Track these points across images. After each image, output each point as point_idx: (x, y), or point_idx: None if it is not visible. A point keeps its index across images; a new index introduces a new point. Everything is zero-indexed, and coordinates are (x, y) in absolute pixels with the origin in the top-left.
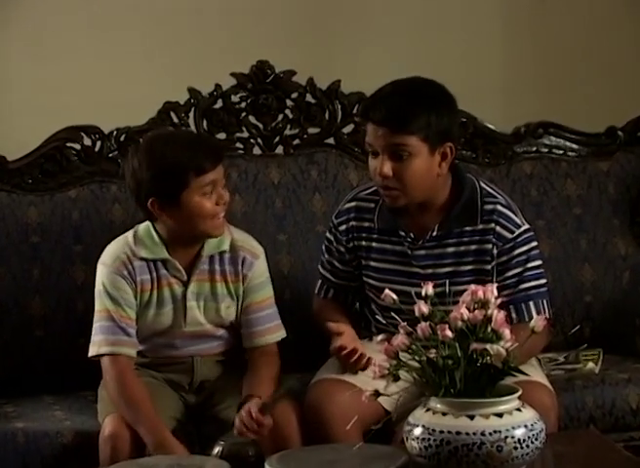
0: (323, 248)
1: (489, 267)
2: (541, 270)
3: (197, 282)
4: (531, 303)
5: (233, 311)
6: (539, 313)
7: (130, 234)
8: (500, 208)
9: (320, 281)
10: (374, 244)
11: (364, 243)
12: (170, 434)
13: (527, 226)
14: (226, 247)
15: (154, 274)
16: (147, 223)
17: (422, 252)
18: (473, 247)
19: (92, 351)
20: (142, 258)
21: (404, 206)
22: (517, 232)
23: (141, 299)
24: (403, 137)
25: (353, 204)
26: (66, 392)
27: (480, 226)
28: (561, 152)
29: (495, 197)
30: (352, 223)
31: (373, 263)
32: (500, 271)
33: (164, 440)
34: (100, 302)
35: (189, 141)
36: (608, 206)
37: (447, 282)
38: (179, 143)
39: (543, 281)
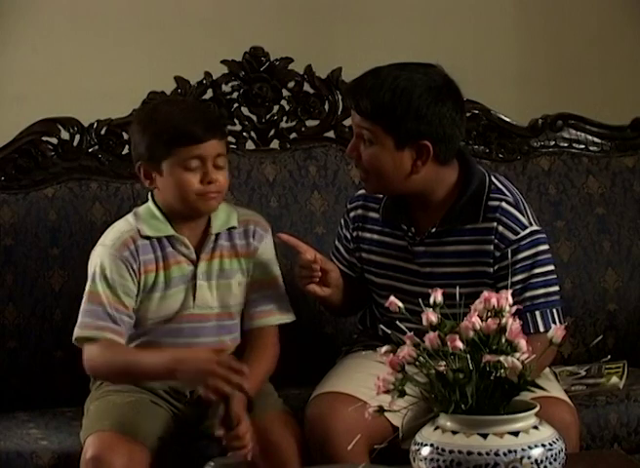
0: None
1: (490, 270)
2: (552, 277)
3: (206, 261)
4: (537, 313)
5: (244, 289)
6: (546, 324)
7: (129, 216)
8: (504, 205)
9: None
10: (376, 236)
11: (367, 234)
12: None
13: (535, 228)
14: (235, 223)
15: (159, 253)
16: (147, 204)
17: (422, 248)
18: (473, 246)
19: (76, 333)
20: (146, 237)
21: (375, 193)
22: (522, 234)
23: (146, 282)
24: (367, 123)
25: (363, 191)
26: (42, 408)
27: (482, 224)
28: (582, 147)
29: (502, 193)
30: (359, 212)
31: (374, 257)
32: (503, 276)
33: (176, 355)
34: (93, 284)
35: (185, 109)
36: (633, 205)
37: (457, 287)
38: (174, 109)
39: (553, 289)
